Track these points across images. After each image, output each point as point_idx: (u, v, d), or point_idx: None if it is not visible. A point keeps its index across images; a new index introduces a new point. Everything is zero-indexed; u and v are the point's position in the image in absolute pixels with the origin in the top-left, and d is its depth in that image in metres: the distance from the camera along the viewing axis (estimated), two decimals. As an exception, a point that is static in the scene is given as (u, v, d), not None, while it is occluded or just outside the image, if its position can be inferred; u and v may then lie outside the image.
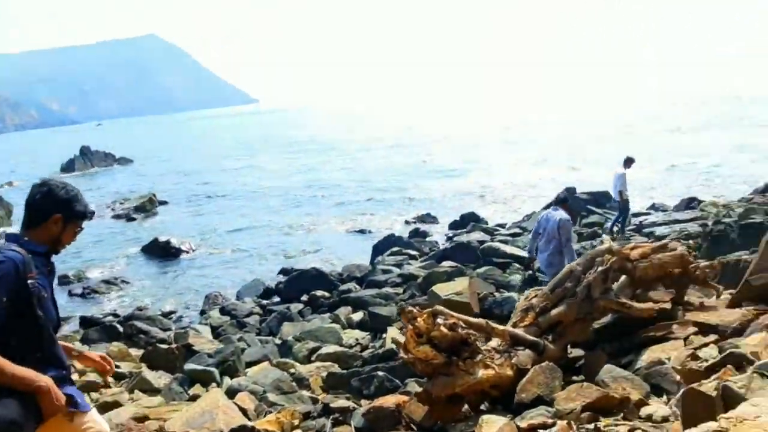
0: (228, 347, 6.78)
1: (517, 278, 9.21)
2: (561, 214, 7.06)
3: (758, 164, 23.78)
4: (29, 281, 2.15)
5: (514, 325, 4.32)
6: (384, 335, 7.72)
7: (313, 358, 7.28)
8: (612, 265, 4.37)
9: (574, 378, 4.41)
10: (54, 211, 2.33)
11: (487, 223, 18.79)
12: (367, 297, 9.31)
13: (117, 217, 25.99)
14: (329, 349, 7.31)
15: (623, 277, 4.99)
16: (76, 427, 2.28)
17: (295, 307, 10.55)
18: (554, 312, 4.33)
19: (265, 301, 11.96)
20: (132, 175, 42.33)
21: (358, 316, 8.86)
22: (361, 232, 19.75)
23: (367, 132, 63.67)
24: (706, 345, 4.08)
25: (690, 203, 17.03)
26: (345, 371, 6.09)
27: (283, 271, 13.42)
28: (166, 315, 12.00)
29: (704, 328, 4.42)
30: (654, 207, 18.48)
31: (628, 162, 12.47)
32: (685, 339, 4.31)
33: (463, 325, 3.55)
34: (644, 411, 3.25)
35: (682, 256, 4.99)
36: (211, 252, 18.83)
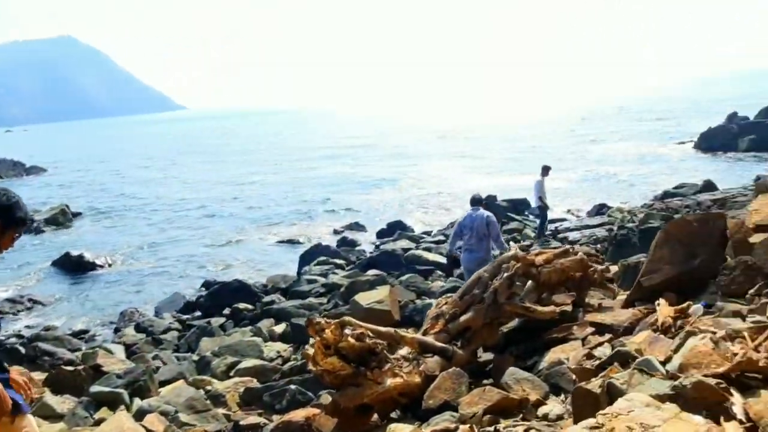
0: (139, 367, 6.46)
1: (438, 285, 9.41)
2: (485, 211, 7.55)
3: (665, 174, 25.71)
4: None
5: (425, 332, 4.41)
6: (306, 347, 7.63)
7: (231, 374, 7.07)
8: (517, 271, 4.56)
9: (485, 381, 4.57)
10: None
11: (413, 231, 19.15)
12: (290, 308, 9.19)
13: (25, 230, 24.15)
14: (248, 363, 7.13)
15: (529, 282, 5.23)
16: (17, 428, 2.30)
17: (216, 321, 10.24)
18: (463, 318, 4.46)
19: (185, 316, 11.52)
20: (43, 186, 39.57)
21: (280, 328, 8.71)
22: (290, 242, 19.48)
23: (299, 139, 63.15)
24: (600, 344, 4.34)
25: (600, 209, 18.16)
26: (262, 386, 5.96)
27: (206, 284, 13.01)
28: (77, 335, 11.26)
29: (600, 328, 4.70)
30: (570, 212, 19.64)
31: (545, 170, 13.10)
32: (584, 339, 4.56)
33: (371, 335, 3.58)
34: (541, 410, 3.41)
35: (582, 261, 5.30)
36: (129, 266, 17.91)
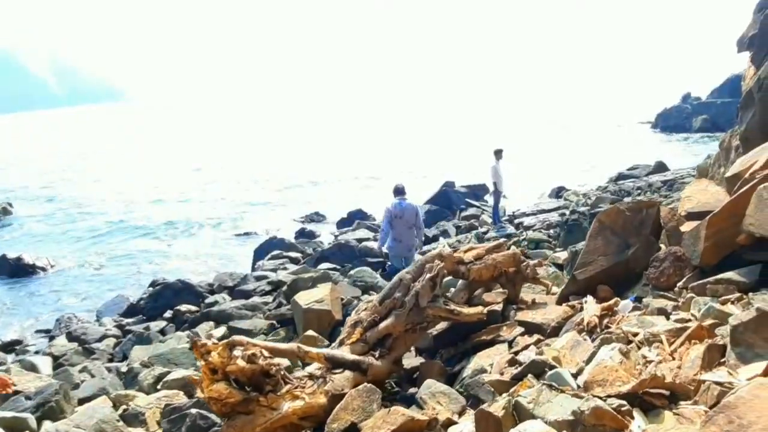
0: (51, 385, 5.97)
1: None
2: (412, 202, 7.88)
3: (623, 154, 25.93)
4: None
5: (341, 343, 4.10)
6: (192, 370, 7.24)
7: (159, 387, 6.64)
8: (440, 272, 4.27)
9: (412, 390, 4.30)
10: None
11: (374, 219, 18.84)
12: (231, 309, 8.76)
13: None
14: (177, 374, 6.70)
15: (461, 281, 4.97)
16: None
17: (156, 325, 9.75)
18: (383, 325, 4.16)
19: (126, 320, 10.97)
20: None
21: (220, 331, 8.27)
22: (246, 235, 18.95)
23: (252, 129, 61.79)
24: (527, 347, 4.11)
25: (559, 192, 18.19)
26: (189, 400, 5.57)
27: (153, 284, 12.42)
28: (8, 346, 10.59)
29: (530, 328, 4.47)
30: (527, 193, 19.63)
31: (498, 153, 12.89)
32: (511, 342, 4.33)
33: (267, 355, 3.24)
34: (451, 430, 3.14)
35: (514, 255, 5.06)
36: (72, 268, 17.07)
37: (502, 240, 5.21)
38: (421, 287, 4.23)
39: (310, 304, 7.28)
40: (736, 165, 5.15)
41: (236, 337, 3.25)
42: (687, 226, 4.79)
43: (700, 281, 3.92)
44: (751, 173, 4.45)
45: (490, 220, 14.05)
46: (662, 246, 5.11)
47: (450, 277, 5.04)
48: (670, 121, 30.46)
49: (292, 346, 3.53)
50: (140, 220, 22.31)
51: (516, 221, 13.56)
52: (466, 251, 4.93)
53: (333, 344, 4.19)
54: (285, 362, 3.37)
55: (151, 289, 11.63)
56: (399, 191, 7.82)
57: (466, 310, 4.34)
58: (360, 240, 14.16)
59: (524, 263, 5.05)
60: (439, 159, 29.48)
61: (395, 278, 4.45)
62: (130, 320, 10.95)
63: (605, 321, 4.00)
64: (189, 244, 18.44)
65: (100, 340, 9.60)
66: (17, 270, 16.46)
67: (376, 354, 4.01)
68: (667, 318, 3.67)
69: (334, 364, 3.65)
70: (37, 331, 11.91)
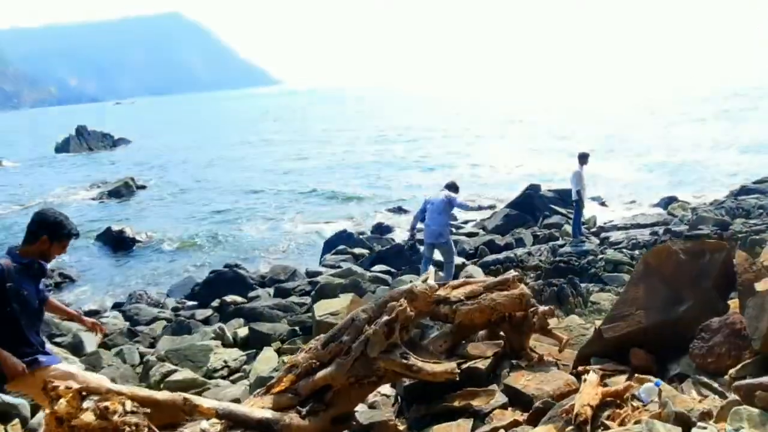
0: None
1: None
2: (447, 192, 8.27)
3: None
4: (7, 284, 3.11)
5: (268, 390, 3.41)
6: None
7: (162, 386, 6.45)
8: (400, 315, 3.40)
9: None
10: (42, 234, 3.27)
11: (455, 218, 17.84)
12: (263, 308, 8.44)
13: (89, 200, 25.45)
14: (181, 375, 6.46)
15: (447, 325, 4.05)
16: (38, 378, 3.07)
17: (203, 313, 9.75)
18: (321, 374, 3.41)
19: (189, 303, 11.20)
20: (123, 158, 41.81)
21: (245, 330, 8.00)
22: (328, 224, 18.84)
23: (386, 121, 62.18)
24: (498, 430, 3.14)
25: (669, 203, 15.87)
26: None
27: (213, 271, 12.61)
28: (86, 315, 11.26)
29: (517, 398, 3.47)
30: (633, 203, 17.43)
31: (583, 158, 11.34)
32: (485, 415, 3.36)
33: (131, 408, 2.64)
34: None
35: (521, 296, 4.02)
36: (168, 245, 18.04)
37: (510, 275, 4.16)
38: (373, 333, 3.40)
39: (324, 316, 6.68)
40: None
41: (93, 385, 2.69)
42: (763, 284, 3.43)
43: (754, 380, 2.67)
44: None
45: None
46: (730, 305, 3.78)
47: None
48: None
49: (175, 396, 2.91)
50: (242, 206, 23.02)
51: (603, 235, 11.89)
52: (456, 287, 3.99)
53: (259, 390, 3.51)
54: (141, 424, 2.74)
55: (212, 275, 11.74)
56: (446, 186, 8.55)
57: (431, 366, 3.42)
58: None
59: (533, 308, 3.98)
60: (533, 158, 27.42)
61: (348, 317, 3.66)
62: (191, 303, 11.16)
63: (606, 413, 2.91)
64: (271, 233, 18.59)
65: (150, 322, 9.78)
66: (119, 242, 17.79)
67: (304, 410, 3.27)
68: (689, 427, 2.52)
69: (234, 422, 2.97)
70: (115, 305, 12.57)
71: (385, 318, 3.45)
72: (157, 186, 28.85)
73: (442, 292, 3.86)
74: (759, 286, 3.47)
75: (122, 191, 26.58)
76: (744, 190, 13.27)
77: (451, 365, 3.49)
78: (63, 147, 45.63)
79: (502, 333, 4.14)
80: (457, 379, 3.48)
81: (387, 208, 20.29)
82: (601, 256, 9.72)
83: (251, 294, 9.81)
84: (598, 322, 6.94)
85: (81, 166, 38.18)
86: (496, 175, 24.49)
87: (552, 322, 7.07)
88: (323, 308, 6.92)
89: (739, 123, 33.10)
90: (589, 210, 15.69)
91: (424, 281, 3.89)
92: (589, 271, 9.16)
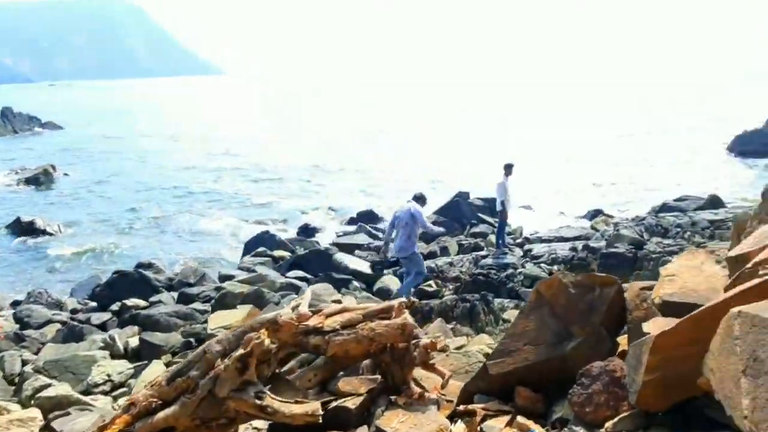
0: None
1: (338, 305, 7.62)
2: (414, 205, 8.34)
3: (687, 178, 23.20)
4: None
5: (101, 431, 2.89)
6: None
7: (33, 402, 5.74)
8: (255, 349, 2.96)
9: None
10: None
11: (385, 220, 17.57)
12: (161, 315, 7.78)
13: (2, 186, 23.55)
14: (55, 390, 5.75)
15: (320, 357, 3.63)
16: None
17: (100, 317, 8.95)
18: (161, 415, 2.93)
19: (92, 304, 10.31)
20: (48, 144, 39.17)
21: (137, 340, 7.32)
22: (259, 224, 18.07)
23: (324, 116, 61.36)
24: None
25: (595, 215, 16.19)
26: None
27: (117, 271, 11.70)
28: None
29: (383, 446, 3.10)
30: (562, 214, 17.72)
31: (508, 168, 11.27)
32: (344, 466, 2.98)
33: None
34: None
35: (404, 327, 3.65)
36: (80, 239, 16.81)
37: (398, 301, 3.79)
38: (224, 368, 2.94)
39: (216, 329, 6.16)
40: (748, 240, 3.50)
41: None
42: (654, 325, 3.21)
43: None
44: (756, 263, 2.86)
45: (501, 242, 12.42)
46: (618, 342, 3.57)
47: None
48: (750, 146, 27.14)
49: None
50: (165, 202, 21.82)
51: (527, 247, 11.87)
52: (331, 315, 3.58)
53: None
54: None
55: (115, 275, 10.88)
56: (414, 197, 8.60)
57: (289, 408, 3.01)
58: (357, 246, 12.92)
59: (414, 340, 3.63)
60: (462, 164, 27.47)
61: (200, 349, 3.18)
62: (92, 305, 10.28)
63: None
64: (195, 231, 17.62)
65: (42, 325, 8.91)
66: (29, 233, 16.55)
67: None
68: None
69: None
70: (14, 303, 11.41)
71: (240, 352, 3.00)
72: (80, 175, 27.06)
73: (313, 321, 3.44)
74: (646, 327, 3.25)
75: (41, 179, 24.82)
76: (665, 207, 13.66)
77: (312, 406, 3.08)
78: (-19, 127, 42.34)
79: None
80: (320, 421, 3.08)
81: (314, 209, 19.79)
82: (520, 270, 9.63)
83: (153, 298, 9.07)
84: (508, 342, 6.75)
85: (1, 150, 35.50)
86: (427, 179, 24.27)
87: (460, 341, 6.91)
88: (218, 320, 6.41)
89: (681, 138, 34.59)
90: (517, 219, 15.79)
91: (294, 308, 3.47)
92: (507, 286, 9.05)
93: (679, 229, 11.29)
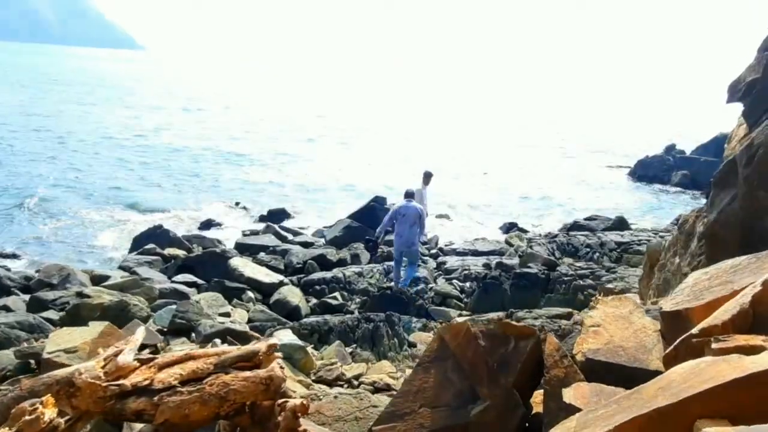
0: None
1: (208, 324, 6.36)
2: (418, 204, 8.95)
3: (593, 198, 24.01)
4: None
5: None
6: None
7: None
8: (24, 430, 1.98)
9: None
10: None
11: (295, 220, 16.59)
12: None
13: None
14: None
15: (147, 426, 2.68)
16: None
17: None
18: None
19: None
20: None
21: (-42, 357, 5.87)
22: (153, 214, 16.34)
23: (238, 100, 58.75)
24: None
25: (509, 229, 16.13)
26: None
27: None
28: None
29: None
30: (480, 224, 17.59)
31: (427, 177, 10.72)
32: None
33: None
34: None
35: (270, 381, 2.79)
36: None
37: (266, 344, 2.92)
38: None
39: (55, 353, 4.95)
40: (683, 290, 2.97)
41: None
42: (576, 394, 2.58)
43: None
44: (705, 329, 2.29)
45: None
46: (533, 405, 2.94)
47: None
48: (650, 171, 28.76)
49: None
50: (50, 182, 19.38)
51: (440, 259, 11.39)
52: (168, 365, 2.65)
53: None
54: None
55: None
56: (407, 194, 9.03)
57: None
58: (262, 248, 11.83)
59: (282, 401, 2.78)
60: (380, 168, 26.95)
61: None
62: None
63: None
64: (76, 218, 15.57)
65: None
66: None
67: None
68: None
69: None
70: None
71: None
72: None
73: (137, 377, 2.50)
74: (567, 395, 2.62)
75: None
76: (575, 226, 13.75)
77: None
78: None
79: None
80: None
81: (224, 202, 18.37)
82: (431, 285, 9.06)
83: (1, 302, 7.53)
84: (409, 371, 6.06)
85: None
86: (341, 182, 23.38)
87: (358, 369, 6.14)
88: (59, 340, 5.18)
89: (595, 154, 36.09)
90: (434, 229, 15.40)
91: (109, 358, 2.51)
92: (417, 303, 8.42)
93: (588, 249, 11.25)
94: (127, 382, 2.42)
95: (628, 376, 2.84)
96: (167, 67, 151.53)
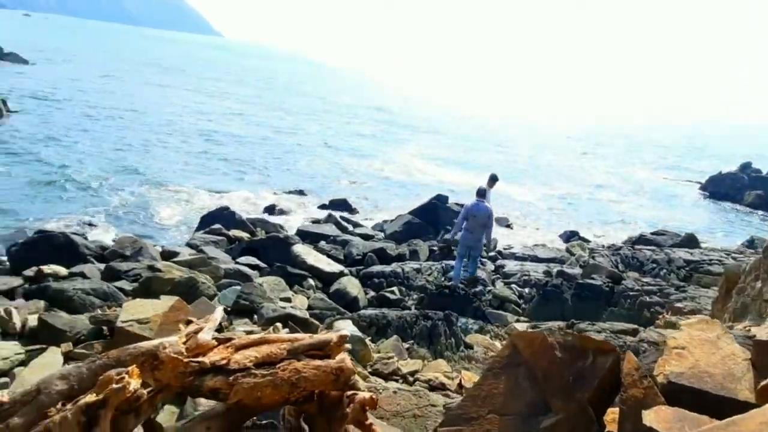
0: None
1: (270, 308, 6.51)
2: (488, 204, 9.02)
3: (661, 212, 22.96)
4: None
5: None
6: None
7: None
8: (110, 400, 2.08)
9: None
10: None
11: (358, 213, 16.72)
12: (75, 292, 6.74)
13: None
14: None
15: (218, 404, 2.75)
16: None
17: (7, 282, 7.78)
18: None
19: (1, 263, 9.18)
20: (6, 76, 36.75)
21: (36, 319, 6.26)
22: (218, 195, 16.92)
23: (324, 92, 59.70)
24: None
25: (570, 238, 15.67)
26: None
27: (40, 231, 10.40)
28: None
29: None
30: (538, 230, 17.17)
31: (492, 181, 10.54)
32: None
33: None
34: None
35: (340, 372, 2.81)
36: (21, 183, 15.38)
37: (338, 335, 2.94)
38: (59, 422, 2.04)
39: (128, 323, 5.19)
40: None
41: None
42: (657, 418, 2.45)
43: None
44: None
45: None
46: (606, 424, 2.82)
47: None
48: (722, 188, 27.20)
49: None
50: (129, 156, 20.42)
51: (499, 262, 11.18)
52: (243, 346, 2.71)
53: None
54: None
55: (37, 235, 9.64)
56: (479, 193, 9.05)
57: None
58: (322, 237, 11.98)
59: (351, 393, 2.80)
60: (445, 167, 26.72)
61: (34, 384, 2.28)
62: (4, 266, 9.11)
63: None
64: (147, 195, 16.27)
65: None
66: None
67: None
68: None
69: None
70: None
71: (89, 398, 2.10)
72: (36, 116, 25.22)
73: (215, 356, 2.57)
74: (648, 418, 2.49)
75: (-16, 113, 22.97)
76: (641, 239, 13.16)
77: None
78: (-63, 51, 39.53)
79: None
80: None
81: (287, 191, 18.75)
82: (489, 288, 8.91)
83: (74, 269, 7.99)
84: (465, 373, 5.99)
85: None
86: (405, 178, 23.38)
87: (414, 365, 6.12)
88: (132, 311, 5.42)
89: (668, 169, 34.51)
90: (493, 231, 15.16)
91: (190, 335, 2.59)
92: (474, 304, 8.31)
93: (655, 265, 10.74)
94: (207, 359, 2.49)
95: (714, 405, 2.69)
96: (243, 54, 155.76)
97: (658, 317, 7.47)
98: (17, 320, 6.24)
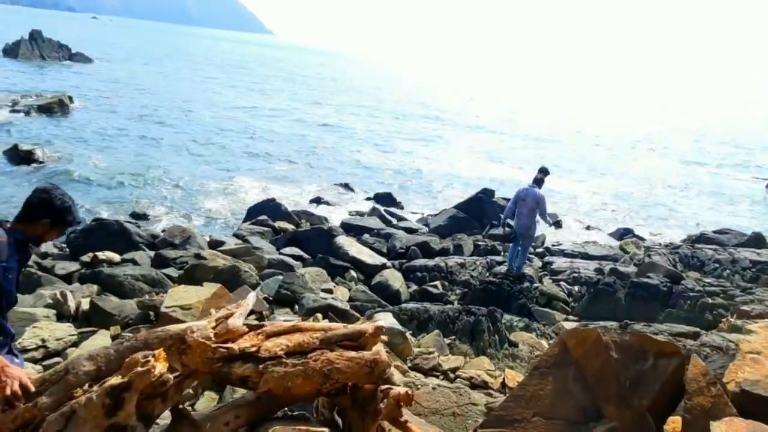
0: None
1: (311, 299, 6.45)
2: (538, 189, 8.72)
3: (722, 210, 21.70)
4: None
5: None
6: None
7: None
8: (137, 383, 2.01)
9: None
10: (44, 217, 2.61)
11: (402, 207, 16.57)
12: (126, 277, 6.90)
13: (13, 111, 22.92)
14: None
15: (247, 392, 2.66)
16: None
17: (66, 267, 8.11)
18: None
19: (61, 249, 9.57)
20: (75, 74, 38.61)
21: (88, 302, 6.44)
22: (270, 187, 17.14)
23: (378, 92, 59.93)
24: None
25: (623, 235, 14.99)
26: None
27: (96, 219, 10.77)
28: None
29: None
30: (589, 228, 16.51)
31: (542, 173, 10.11)
32: None
33: None
34: None
35: (374, 364, 2.66)
36: (84, 173, 16.05)
37: (373, 325, 2.80)
38: (86, 403, 1.98)
39: (172, 308, 5.24)
40: None
41: None
42: (726, 428, 2.18)
43: None
44: None
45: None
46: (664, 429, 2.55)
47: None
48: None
49: None
50: (184, 148, 21.02)
51: (547, 258, 10.78)
52: (275, 334, 2.60)
53: None
54: None
55: (93, 223, 9.99)
56: (535, 180, 8.82)
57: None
58: (366, 230, 11.89)
59: (385, 387, 2.65)
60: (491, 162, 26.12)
61: (63, 364, 2.24)
62: (63, 251, 9.51)
63: None
64: (197, 185, 16.65)
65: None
66: (25, 160, 16.02)
67: None
68: None
69: None
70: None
71: (114, 380, 2.04)
72: (97, 111, 26.36)
73: (245, 342, 2.47)
74: (717, 429, 2.22)
75: (54, 108, 24.18)
76: (703, 238, 12.39)
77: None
78: (12, 50, 41.95)
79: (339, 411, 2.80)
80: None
81: (333, 183, 18.78)
82: (537, 285, 8.57)
83: (127, 255, 8.21)
84: (509, 371, 5.72)
85: (20, 73, 35.05)
86: (450, 172, 22.98)
87: (456, 362, 5.91)
88: (176, 297, 5.48)
89: (719, 169, 32.69)
90: (541, 227, 14.67)
91: (220, 320, 2.50)
92: (519, 301, 8.01)
93: (717, 266, 10.08)
94: (236, 346, 2.40)
95: (794, 419, 2.38)
96: (294, 53, 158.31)
97: (721, 320, 6.98)
98: (71, 303, 6.44)
